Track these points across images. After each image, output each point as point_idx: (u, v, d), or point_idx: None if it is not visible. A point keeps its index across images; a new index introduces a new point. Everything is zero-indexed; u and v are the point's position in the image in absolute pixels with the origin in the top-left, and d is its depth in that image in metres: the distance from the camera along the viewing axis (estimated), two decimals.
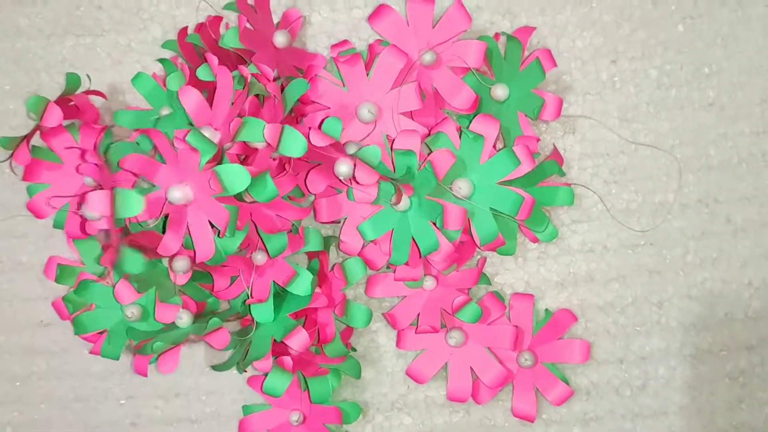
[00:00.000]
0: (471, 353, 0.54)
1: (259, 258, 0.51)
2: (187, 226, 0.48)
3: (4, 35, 0.57)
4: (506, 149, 0.51)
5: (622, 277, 0.56)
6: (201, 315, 0.53)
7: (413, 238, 0.51)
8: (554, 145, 0.56)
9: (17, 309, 0.57)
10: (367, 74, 0.53)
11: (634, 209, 0.56)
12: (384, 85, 0.52)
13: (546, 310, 0.56)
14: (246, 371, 0.54)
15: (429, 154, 0.52)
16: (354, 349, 0.56)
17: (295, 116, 0.54)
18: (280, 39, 0.53)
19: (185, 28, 0.55)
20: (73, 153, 0.53)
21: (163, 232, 0.49)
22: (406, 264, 0.52)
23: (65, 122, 0.53)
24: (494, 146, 0.52)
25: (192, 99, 0.50)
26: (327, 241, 0.54)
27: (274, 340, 0.51)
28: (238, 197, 0.49)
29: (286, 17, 0.56)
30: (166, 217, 0.49)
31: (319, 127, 0.51)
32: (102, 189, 0.48)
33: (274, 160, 0.50)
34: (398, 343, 0.55)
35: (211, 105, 0.50)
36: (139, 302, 0.53)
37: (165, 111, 0.54)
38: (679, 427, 0.57)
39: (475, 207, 0.51)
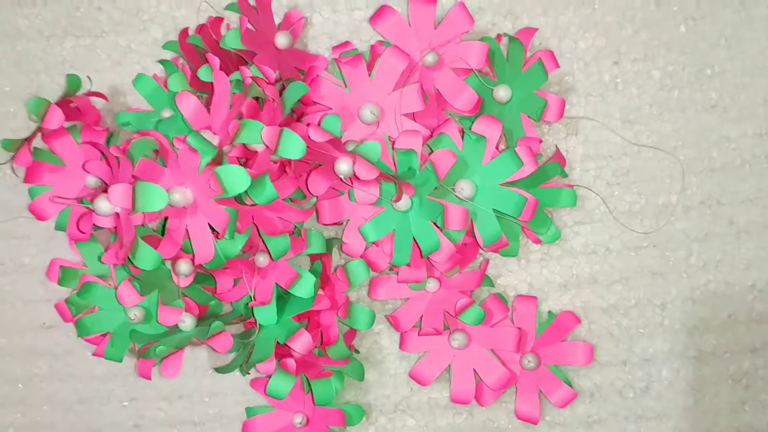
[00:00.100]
0: (474, 355, 0.54)
1: (262, 260, 0.51)
2: (187, 229, 0.48)
3: (4, 37, 0.57)
4: (509, 150, 0.51)
5: (625, 279, 0.56)
6: (204, 317, 0.53)
7: (414, 239, 0.51)
8: (557, 147, 0.55)
9: (19, 311, 0.57)
10: (369, 75, 0.53)
11: (636, 211, 0.56)
12: (386, 86, 0.52)
13: (549, 312, 0.56)
14: (249, 373, 0.54)
15: (430, 155, 0.52)
16: (357, 351, 0.56)
17: (296, 118, 0.53)
18: (281, 40, 0.53)
19: (186, 29, 0.55)
20: (75, 154, 0.53)
21: (162, 235, 0.49)
22: (409, 265, 0.52)
23: (66, 124, 0.52)
24: (497, 148, 0.52)
25: (189, 104, 0.50)
26: (329, 243, 0.54)
27: (277, 343, 0.51)
28: (239, 200, 0.49)
29: (288, 18, 0.56)
30: (165, 219, 0.49)
31: (319, 124, 0.51)
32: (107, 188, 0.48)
33: (274, 162, 0.50)
34: (401, 345, 0.55)
35: (209, 109, 0.50)
36: (141, 304, 0.53)
37: (166, 113, 0.54)
38: (682, 429, 0.56)
39: (478, 208, 0.51)
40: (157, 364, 0.53)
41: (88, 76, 0.55)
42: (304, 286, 0.51)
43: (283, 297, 0.52)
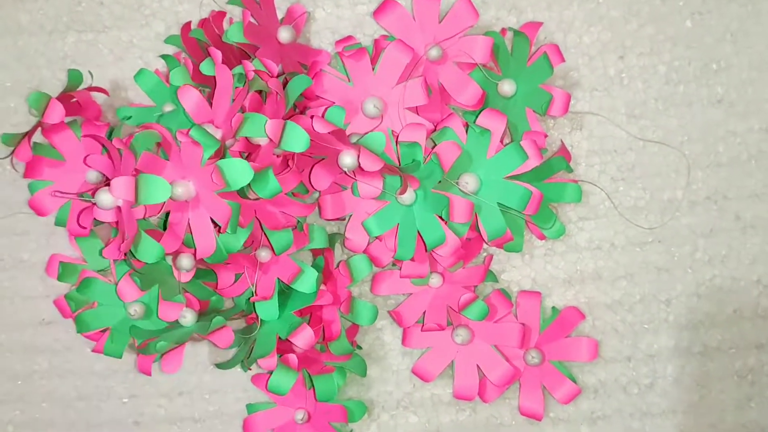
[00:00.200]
0: (477, 351, 0.54)
1: (264, 255, 0.51)
2: (189, 223, 0.48)
3: (6, 31, 0.57)
4: (514, 143, 0.51)
5: (629, 275, 0.56)
6: (205, 313, 0.53)
7: (419, 233, 0.51)
8: (562, 141, 0.55)
9: (19, 307, 0.57)
10: (373, 69, 0.52)
11: (642, 206, 0.56)
12: (390, 80, 0.52)
13: (553, 307, 0.56)
14: (250, 369, 0.53)
15: (434, 148, 0.51)
16: (359, 347, 0.55)
17: (300, 112, 0.53)
18: (284, 34, 0.53)
19: (189, 23, 0.55)
20: (76, 149, 0.53)
21: (164, 229, 0.49)
22: (412, 260, 0.52)
23: (67, 119, 0.52)
24: (501, 142, 0.52)
25: (191, 98, 0.50)
26: (332, 238, 0.54)
27: (279, 338, 0.51)
28: (241, 194, 0.49)
29: (291, 13, 0.55)
30: (167, 215, 0.48)
31: (323, 116, 0.51)
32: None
33: (277, 156, 0.50)
34: (404, 341, 0.55)
35: (211, 103, 0.50)
36: (142, 300, 0.52)
37: (168, 107, 0.53)
38: (687, 425, 0.56)
39: (482, 202, 0.51)
40: (158, 360, 0.52)
41: (89, 71, 0.55)
42: (307, 282, 0.51)
43: (285, 292, 0.52)
